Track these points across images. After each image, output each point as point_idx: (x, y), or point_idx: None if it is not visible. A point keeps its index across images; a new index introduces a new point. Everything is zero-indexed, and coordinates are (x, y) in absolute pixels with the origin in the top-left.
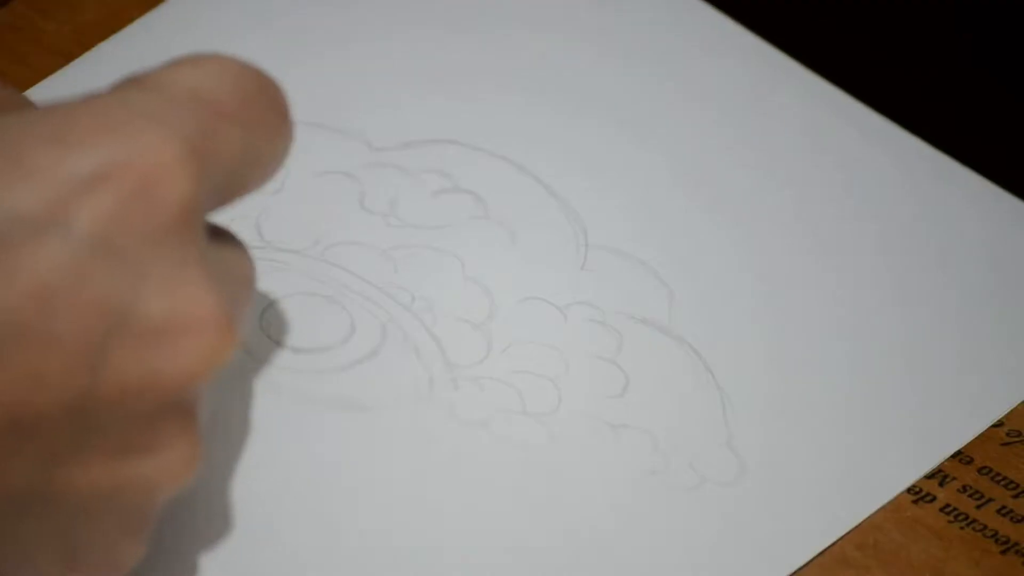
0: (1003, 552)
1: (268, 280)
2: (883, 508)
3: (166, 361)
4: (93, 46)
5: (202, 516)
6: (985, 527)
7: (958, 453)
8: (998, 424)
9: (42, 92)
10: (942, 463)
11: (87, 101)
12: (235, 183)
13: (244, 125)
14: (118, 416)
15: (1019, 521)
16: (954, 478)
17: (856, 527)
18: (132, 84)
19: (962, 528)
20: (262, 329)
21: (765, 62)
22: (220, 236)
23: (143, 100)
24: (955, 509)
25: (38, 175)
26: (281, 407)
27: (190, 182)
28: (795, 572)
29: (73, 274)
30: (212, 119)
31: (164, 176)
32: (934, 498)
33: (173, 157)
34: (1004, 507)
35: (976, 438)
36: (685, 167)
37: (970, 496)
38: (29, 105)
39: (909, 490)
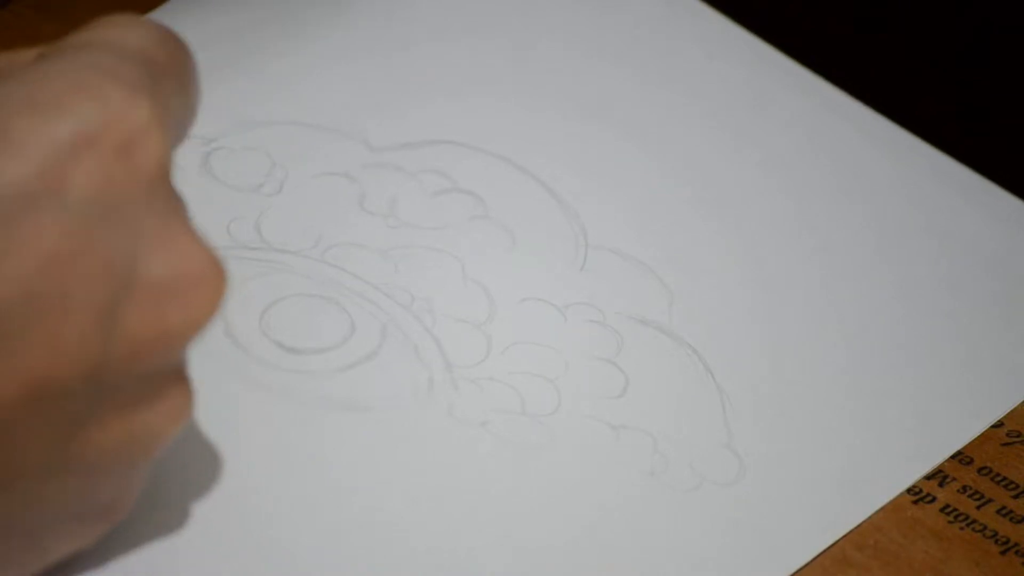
0: (1003, 552)
1: (268, 281)
2: (883, 508)
3: (174, 316)
4: None
5: (202, 516)
6: (985, 527)
7: (958, 453)
8: (998, 424)
9: None
10: (942, 463)
11: (51, 65)
12: (176, 138)
13: (176, 80)
14: (130, 374)
15: (1019, 521)
16: (954, 478)
17: (856, 527)
18: (78, 47)
19: (962, 528)
20: (262, 330)
21: (764, 63)
22: None
23: (101, 61)
24: (955, 509)
25: (23, 146)
26: (281, 408)
27: (163, 137)
28: (795, 572)
29: (76, 241)
30: (159, 75)
31: (141, 134)
32: (934, 498)
33: (145, 115)
34: (1004, 507)
35: (976, 438)
36: (685, 167)
37: (970, 496)
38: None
39: (909, 490)
